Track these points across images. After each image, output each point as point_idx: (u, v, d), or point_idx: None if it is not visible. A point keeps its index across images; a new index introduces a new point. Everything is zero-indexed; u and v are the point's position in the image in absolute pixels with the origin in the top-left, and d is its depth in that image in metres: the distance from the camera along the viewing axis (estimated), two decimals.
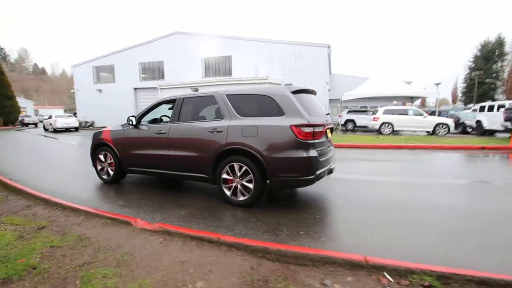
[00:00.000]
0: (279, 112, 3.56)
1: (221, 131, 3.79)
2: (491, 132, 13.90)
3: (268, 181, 3.53)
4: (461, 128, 16.68)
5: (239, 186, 3.74)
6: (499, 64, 50.93)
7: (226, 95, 3.99)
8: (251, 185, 3.64)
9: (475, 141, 10.18)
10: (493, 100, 48.43)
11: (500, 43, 51.02)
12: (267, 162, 3.46)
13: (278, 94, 3.63)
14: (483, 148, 8.39)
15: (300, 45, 18.21)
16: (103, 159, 5.13)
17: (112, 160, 4.99)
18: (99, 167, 5.22)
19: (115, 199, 4.11)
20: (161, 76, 22.28)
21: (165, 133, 4.32)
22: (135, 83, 23.06)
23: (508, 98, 30.69)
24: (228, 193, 3.82)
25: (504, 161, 6.88)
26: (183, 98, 4.39)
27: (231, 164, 3.74)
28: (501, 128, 11.81)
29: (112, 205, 3.83)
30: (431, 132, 15.26)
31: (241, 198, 3.73)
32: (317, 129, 3.49)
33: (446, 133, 14.92)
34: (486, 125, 13.77)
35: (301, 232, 2.86)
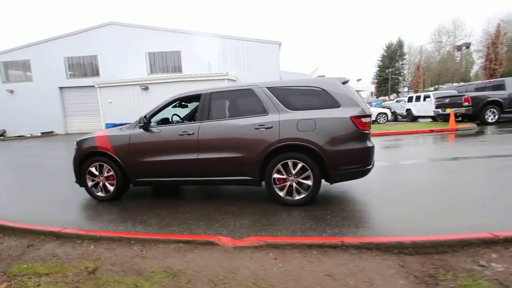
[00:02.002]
0: (334, 104, 3.44)
1: (271, 127, 3.46)
2: (415, 118, 16.65)
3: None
4: (393, 116, 19.44)
5: (294, 185, 3.49)
6: (400, 62, 61.37)
7: (267, 87, 3.66)
8: (308, 182, 3.44)
9: (420, 125, 12.01)
10: (398, 92, 58.41)
11: (400, 45, 61.34)
12: (328, 156, 3.32)
13: (331, 86, 3.50)
14: (431, 131, 9.96)
15: (252, 41, 18.22)
16: (96, 173, 4.12)
17: (112, 173, 4.04)
18: (90, 183, 4.17)
19: (142, 219, 3.34)
20: (95, 72, 19.28)
21: (193, 133, 3.71)
22: (60, 82, 19.35)
23: (415, 91, 37.22)
24: (281, 193, 3.53)
25: (468, 138, 8.30)
26: (211, 93, 3.84)
27: (284, 162, 3.46)
28: (431, 114, 14.18)
29: (148, 226, 3.10)
30: (372, 121, 17.38)
31: (298, 197, 3.50)
32: (370, 119, 3.52)
33: (386, 121, 17.21)
34: (415, 112, 16.42)
35: (392, 223, 2.84)
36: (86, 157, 4.14)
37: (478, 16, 60.33)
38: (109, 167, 4.05)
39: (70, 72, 19.53)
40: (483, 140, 7.83)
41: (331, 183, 3.55)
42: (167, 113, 4.65)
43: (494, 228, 2.36)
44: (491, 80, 12.73)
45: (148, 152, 3.87)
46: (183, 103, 4.61)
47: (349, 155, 3.36)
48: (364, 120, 3.38)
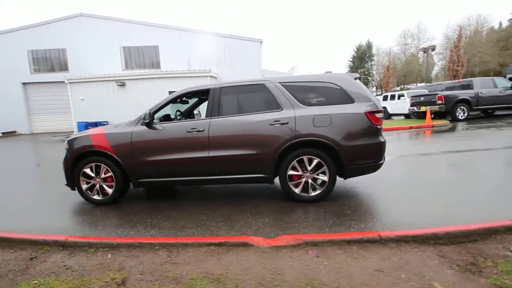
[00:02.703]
0: (348, 99, 3.46)
1: (286, 123, 3.40)
2: (390, 116, 17.56)
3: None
4: None
5: (310, 181, 3.47)
6: (369, 63, 64.48)
7: (280, 83, 3.58)
8: (324, 178, 3.43)
9: (398, 122, 12.67)
10: None
11: (369, 46, 64.36)
12: (344, 151, 3.34)
13: (344, 81, 3.51)
14: (410, 128, 10.53)
15: (234, 38, 17.97)
16: (92, 174, 3.77)
17: (110, 174, 3.73)
18: (84, 186, 3.82)
19: (153, 222, 3.11)
20: (64, 67, 17.82)
21: (203, 130, 3.53)
22: (23, 77, 17.61)
23: (386, 90, 39.24)
24: (296, 190, 3.49)
25: (447, 134, 8.85)
26: (220, 88, 3.68)
27: (299, 158, 3.42)
28: (405, 112, 15.02)
29: (163, 229, 2.89)
30: None
31: (313, 193, 3.48)
32: (382, 115, 3.59)
33: None
34: (390, 110, 17.27)
35: (411, 216, 2.91)
36: (80, 157, 3.77)
37: (439, 21, 65.23)
38: (107, 167, 3.73)
39: (34, 67, 17.82)
40: (461, 135, 8.43)
41: (345, 179, 3.57)
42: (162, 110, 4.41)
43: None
44: (460, 80, 13.77)
45: (153, 150, 3.62)
46: (184, 98, 4.38)
47: (364, 150, 3.41)
48: (377, 115, 3.43)
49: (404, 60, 60.71)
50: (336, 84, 3.51)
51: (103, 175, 3.77)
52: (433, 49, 26.30)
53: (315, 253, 2.17)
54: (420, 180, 4.23)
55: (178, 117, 4.55)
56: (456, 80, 13.53)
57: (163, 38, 17.64)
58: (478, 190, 3.55)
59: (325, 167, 3.40)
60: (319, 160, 3.40)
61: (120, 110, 14.59)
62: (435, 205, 3.13)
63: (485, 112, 12.95)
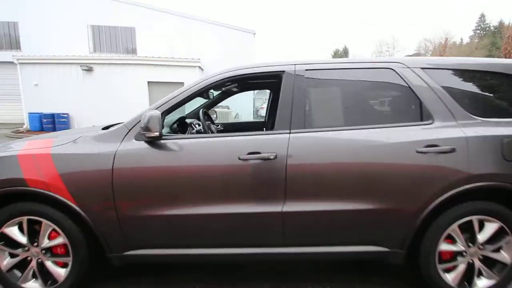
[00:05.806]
0: None
1: (449, 151, 1.68)
2: None
3: None
4: None
5: (477, 263, 1.79)
6: None
7: (424, 68, 1.85)
8: (503, 257, 1.79)
9: None
10: None
11: (345, 52, 65.71)
12: None
13: None
14: None
15: (226, 27, 15.91)
16: (21, 239, 1.77)
17: (62, 240, 1.75)
18: (4, 262, 1.79)
19: None
20: (15, 45, 14.47)
21: (273, 158, 1.68)
22: None
23: None
24: (449, 279, 1.80)
25: None
26: (306, 71, 1.84)
27: (466, 220, 1.73)
28: None
29: None
30: None
31: (481, 285, 1.81)
32: None
33: None
34: None
35: None
36: None
37: (409, 34, 67.97)
38: (55, 226, 1.74)
39: None
40: None
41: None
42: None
43: None
44: None
45: (164, 194, 1.70)
46: (212, 90, 2.48)
47: None
48: None
49: None
50: None
51: (46, 242, 1.77)
52: None
53: None
54: None
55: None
56: None
57: (142, 20, 15.02)
58: None
59: (510, 236, 1.75)
60: (502, 224, 1.73)
61: (85, 100, 11.97)
62: None
63: None
